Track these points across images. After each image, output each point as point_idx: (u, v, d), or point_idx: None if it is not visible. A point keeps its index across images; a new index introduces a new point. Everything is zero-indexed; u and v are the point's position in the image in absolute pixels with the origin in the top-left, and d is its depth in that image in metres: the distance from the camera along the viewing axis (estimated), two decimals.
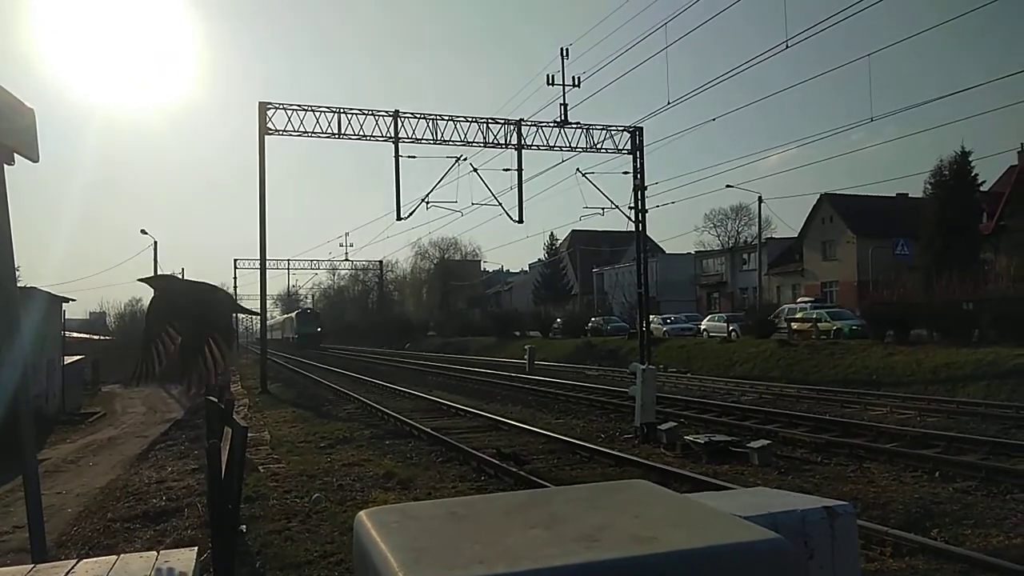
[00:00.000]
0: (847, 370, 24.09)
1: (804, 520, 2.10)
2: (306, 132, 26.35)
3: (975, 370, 20.19)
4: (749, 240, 64.19)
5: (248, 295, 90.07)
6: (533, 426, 15.03)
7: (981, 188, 40.34)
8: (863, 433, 13.17)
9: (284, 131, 26.22)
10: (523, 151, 28.01)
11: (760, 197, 48.03)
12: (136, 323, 64.82)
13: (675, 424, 13.41)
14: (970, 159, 37.14)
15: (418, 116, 26.94)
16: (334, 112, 26.48)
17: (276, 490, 9.98)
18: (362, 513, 1.59)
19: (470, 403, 19.79)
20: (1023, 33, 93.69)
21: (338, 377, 31.39)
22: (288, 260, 71.20)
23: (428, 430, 14.38)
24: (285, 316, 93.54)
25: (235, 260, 68.90)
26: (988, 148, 75.99)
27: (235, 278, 70.35)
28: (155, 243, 54.51)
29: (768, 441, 11.76)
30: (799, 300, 43.62)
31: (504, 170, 28.44)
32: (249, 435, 12.86)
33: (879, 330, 27.43)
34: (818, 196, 54.56)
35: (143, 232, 55.13)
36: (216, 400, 7.74)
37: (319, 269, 77.46)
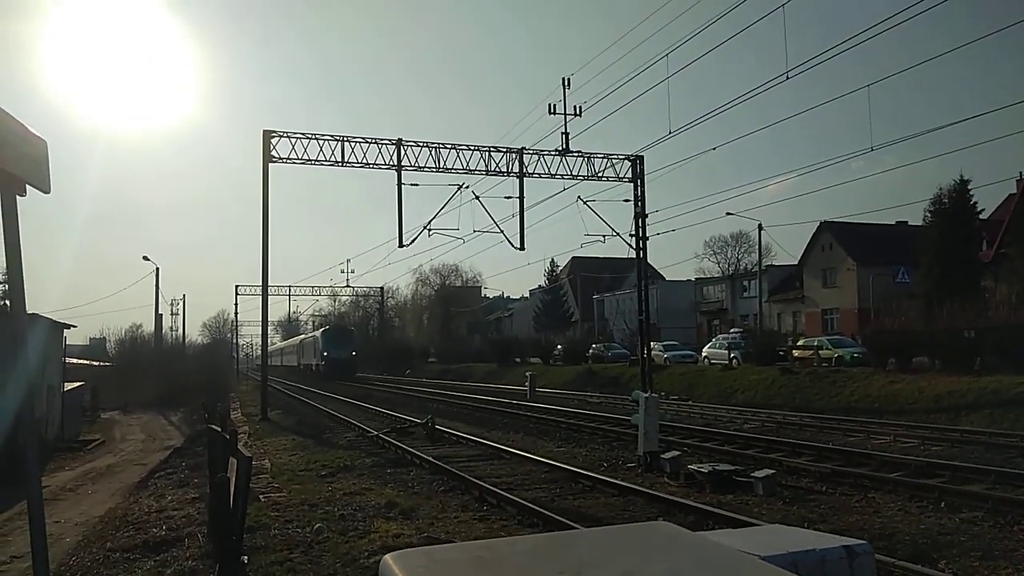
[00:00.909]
0: (849, 398, 24.01)
1: (824, 560, 2.09)
2: (309, 160, 26.51)
3: (978, 399, 20.13)
4: (749, 267, 64.29)
5: (249, 321, 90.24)
6: (535, 454, 14.95)
7: (980, 216, 40.50)
8: (867, 462, 13.09)
9: (288, 159, 26.38)
10: (525, 179, 28.18)
11: (760, 224, 48.20)
12: (137, 350, 64.75)
13: (678, 453, 13.33)
14: (969, 187, 37.28)
15: (421, 144, 27.14)
16: (338, 140, 26.66)
17: (277, 520, 9.90)
18: (388, 556, 1.59)
19: (471, 431, 19.70)
20: (1021, 63, 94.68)
21: (338, 404, 31.26)
22: (289, 286, 71.21)
23: (430, 459, 14.30)
24: (304, 336, 77.44)
25: (236, 286, 68.89)
26: (988, 177, 76.44)
27: (236, 304, 70.33)
28: (157, 269, 54.82)
29: (772, 471, 11.69)
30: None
31: (506, 198, 28.61)
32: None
33: (881, 358, 27.38)
34: (818, 224, 54.76)
35: (145, 259, 55.46)
36: (219, 429, 7.72)
37: (320, 295, 77.17)
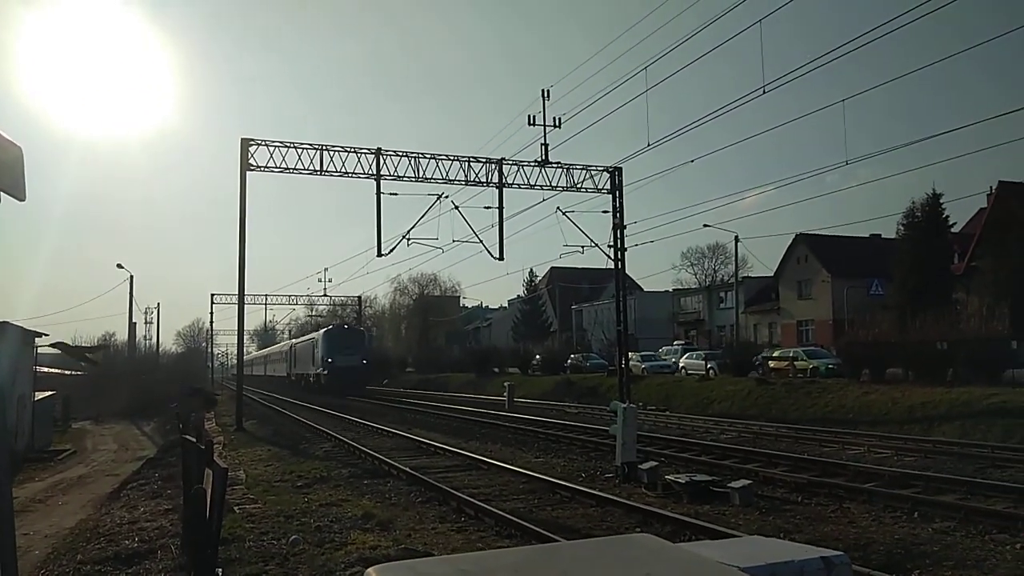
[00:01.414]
0: (824, 409, 24.24)
1: (802, 572, 2.10)
2: (287, 169, 26.35)
3: (950, 410, 20.42)
4: (726, 278, 64.83)
5: (225, 330, 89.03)
6: (513, 465, 14.92)
7: (952, 229, 41.23)
8: (842, 473, 13.22)
9: (265, 167, 26.21)
10: (504, 189, 28.23)
11: (737, 236, 48.66)
12: (109, 358, 63.81)
13: (656, 463, 13.37)
14: (941, 201, 38.02)
15: (400, 154, 27.10)
16: (316, 149, 26.53)
17: (252, 531, 9.78)
18: (371, 570, 1.58)
19: (449, 441, 19.63)
20: (994, 79, 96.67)
21: (314, 414, 31.01)
22: (266, 295, 70.42)
23: (407, 469, 14.22)
24: (298, 341, 65.04)
25: (212, 294, 68.07)
26: (959, 191, 77.92)
27: (212, 312, 69.45)
28: (131, 277, 54.09)
29: (749, 481, 11.77)
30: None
31: (485, 208, 28.60)
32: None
33: (855, 369, 27.71)
34: (793, 236, 55.42)
35: (119, 266, 54.68)
36: (195, 440, 7.62)
37: (297, 304, 76.39)
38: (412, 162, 27.07)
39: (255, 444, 21.17)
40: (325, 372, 48.66)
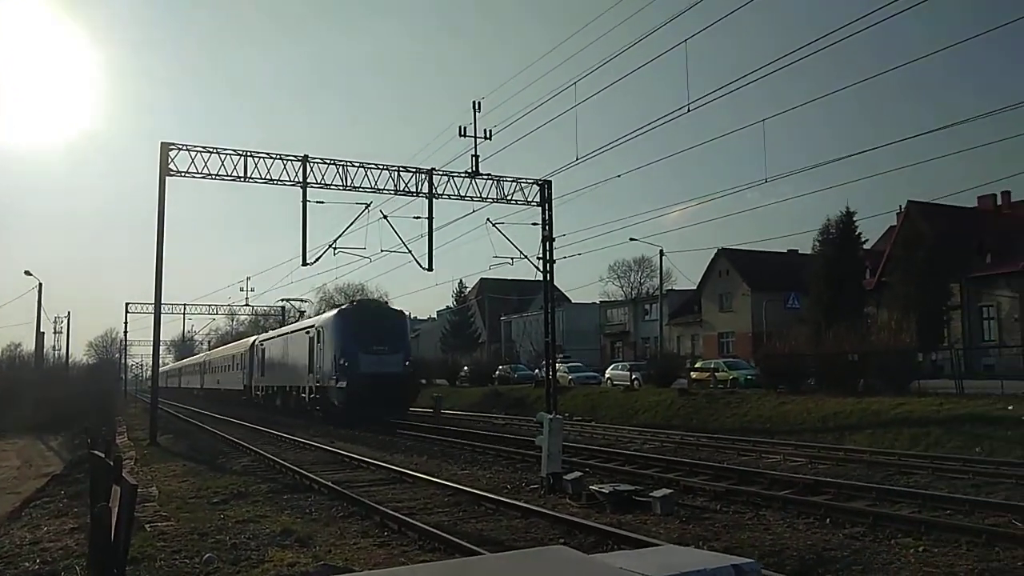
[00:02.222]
0: (743, 419, 24.94)
1: None
2: (210, 175, 25.56)
3: (861, 419, 21.29)
4: (651, 291, 66.13)
5: (139, 340, 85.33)
6: (439, 477, 14.79)
7: (865, 246, 43.25)
8: (759, 481, 13.59)
9: (187, 173, 25.37)
10: (434, 200, 28.12)
11: (662, 250, 49.84)
12: (15, 370, 60.33)
13: (580, 474, 13.48)
14: (855, 219, 39.89)
15: (328, 162, 26.65)
16: (240, 155, 25.84)
17: (164, 550, 9.39)
18: None
19: (374, 454, 19.32)
20: (916, 99, 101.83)
21: (233, 428, 30.07)
22: (184, 304, 67.98)
23: (329, 484, 13.91)
24: (276, 334, 41.64)
25: (127, 304, 65.36)
26: (874, 209, 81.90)
27: (126, 323, 66.68)
28: (40, 285, 51.52)
29: (670, 490, 11.97)
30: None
31: (415, 218, 28.40)
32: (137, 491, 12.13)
33: (772, 380, 28.65)
34: (716, 251, 57.05)
35: (27, 273, 52.05)
36: (103, 455, 7.29)
37: (217, 314, 73.90)
38: (340, 170, 26.69)
39: (170, 459, 20.38)
40: (341, 384, 28.84)
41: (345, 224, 27.35)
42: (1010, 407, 18.78)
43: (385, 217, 27.48)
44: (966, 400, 20.89)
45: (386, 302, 36.86)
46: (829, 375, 26.10)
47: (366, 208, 27.19)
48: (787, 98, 74.92)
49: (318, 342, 31.86)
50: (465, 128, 27.40)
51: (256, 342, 43.75)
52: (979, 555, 8.45)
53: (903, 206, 45.24)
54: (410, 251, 28.11)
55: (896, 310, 32.64)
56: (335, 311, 33.47)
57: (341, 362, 29.37)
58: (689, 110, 20.23)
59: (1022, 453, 16.09)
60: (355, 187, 26.85)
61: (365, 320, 30.96)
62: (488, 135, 27.50)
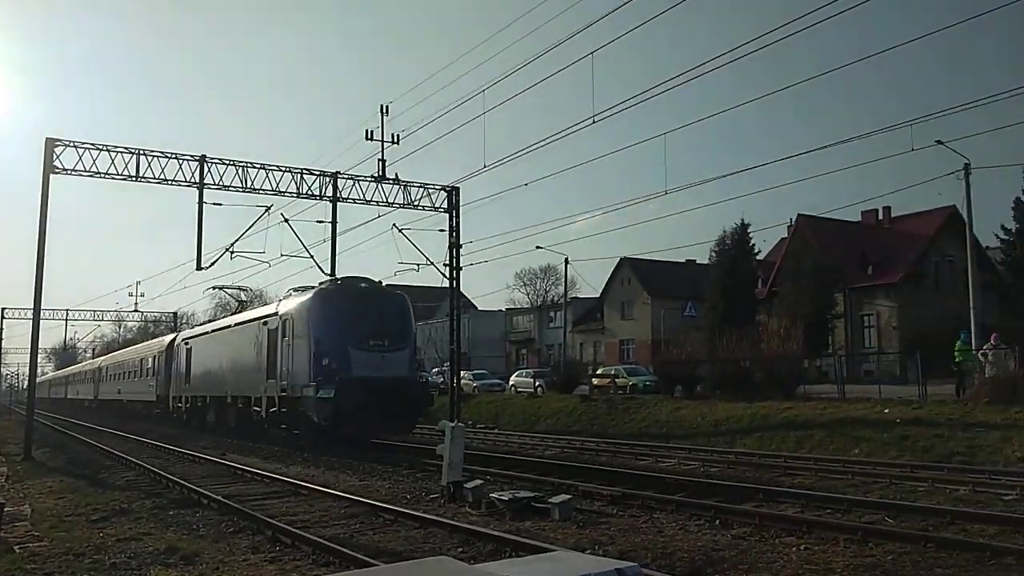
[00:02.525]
0: (641, 424, 25.55)
1: None
2: (99, 173, 24.13)
3: (751, 423, 22.19)
4: (556, 299, 67.05)
5: (16, 348, 79.85)
6: (336, 489, 14.43)
7: (758, 257, 45.24)
8: (654, 484, 13.93)
9: (74, 171, 23.89)
10: (339, 204, 27.55)
11: (567, 259, 50.43)
12: None
13: (481, 482, 13.43)
14: (749, 231, 41.65)
15: (227, 162, 25.68)
16: (132, 153, 24.54)
17: (35, 573, 8.77)
18: None
19: (268, 466, 18.70)
20: (807, 116, 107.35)
21: (116, 440, 28.48)
22: (67, 310, 64.11)
23: (219, 498, 13.34)
24: (242, 318, 29.11)
25: (3, 309, 61.18)
26: (767, 221, 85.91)
27: (1, 329, 62.36)
28: None
29: (569, 496, 12.10)
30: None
31: (318, 222, 27.71)
32: (5, 510, 11.27)
33: (669, 385, 29.53)
34: (618, 260, 58.42)
35: None
36: None
37: (103, 320, 69.86)
38: (240, 171, 25.76)
39: (45, 475, 19.08)
40: (324, 393, 21.27)
41: (244, 227, 26.41)
42: (886, 410, 19.97)
43: (287, 220, 26.67)
44: (847, 404, 22.06)
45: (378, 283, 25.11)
46: (722, 381, 27.10)
47: (266, 211, 26.33)
48: (689, 112, 77.67)
49: (283, 336, 23.83)
50: (372, 132, 27.04)
51: (178, 341, 35.59)
52: (855, 551, 8.91)
53: (793, 219, 47.64)
54: (312, 256, 27.33)
55: (785, 318, 34.23)
56: (310, 293, 23.96)
57: (324, 362, 21.73)
58: (595, 121, 20.59)
59: (896, 454, 17.11)
60: (255, 189, 26.00)
61: (355, 305, 22.92)
62: (396, 139, 27.23)
